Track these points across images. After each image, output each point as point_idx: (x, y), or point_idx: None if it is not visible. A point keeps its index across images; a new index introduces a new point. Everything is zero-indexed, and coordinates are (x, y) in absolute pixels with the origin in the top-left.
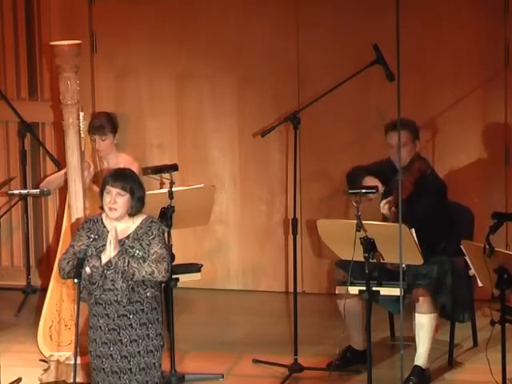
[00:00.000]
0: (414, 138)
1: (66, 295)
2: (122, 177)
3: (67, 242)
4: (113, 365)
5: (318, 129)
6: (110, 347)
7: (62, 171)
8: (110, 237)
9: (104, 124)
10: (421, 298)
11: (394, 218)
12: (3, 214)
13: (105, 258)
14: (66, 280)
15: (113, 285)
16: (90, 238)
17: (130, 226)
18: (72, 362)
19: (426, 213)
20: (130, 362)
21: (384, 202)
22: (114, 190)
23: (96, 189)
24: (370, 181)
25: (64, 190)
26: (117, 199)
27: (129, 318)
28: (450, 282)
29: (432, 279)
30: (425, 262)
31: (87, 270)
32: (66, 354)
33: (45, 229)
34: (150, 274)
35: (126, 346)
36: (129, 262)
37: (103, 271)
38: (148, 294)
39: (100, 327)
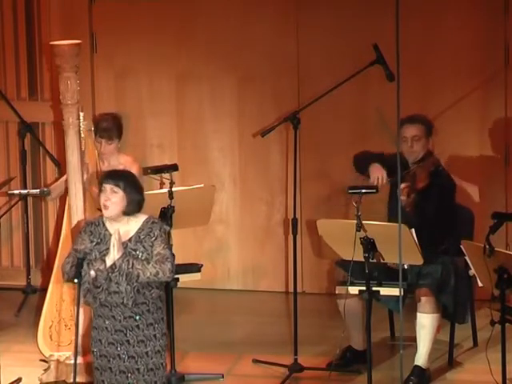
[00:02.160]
0: (428, 134)
1: (66, 295)
2: (115, 174)
3: (67, 243)
4: (120, 364)
5: (317, 129)
6: (117, 347)
7: (64, 178)
8: (114, 240)
9: (112, 128)
10: (423, 298)
11: (411, 206)
12: (3, 214)
13: (109, 261)
14: (69, 283)
15: (118, 287)
16: (92, 241)
17: (131, 228)
18: (72, 361)
19: (438, 208)
20: (137, 362)
21: (403, 186)
22: (108, 187)
23: (95, 190)
24: (376, 169)
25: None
26: (110, 196)
27: (135, 319)
28: (453, 282)
29: (435, 279)
30: (428, 261)
31: (92, 273)
32: (66, 353)
33: (45, 229)
34: (154, 275)
35: (134, 347)
36: (133, 264)
37: (108, 274)
38: (153, 294)
39: (106, 328)
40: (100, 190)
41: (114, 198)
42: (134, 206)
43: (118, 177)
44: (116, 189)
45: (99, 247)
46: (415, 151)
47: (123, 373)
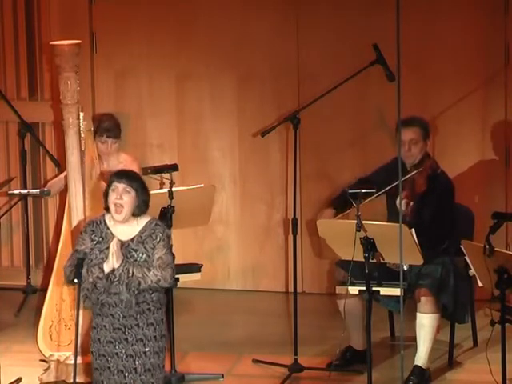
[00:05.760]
0: (425, 137)
1: (66, 295)
2: (128, 175)
3: (68, 243)
4: (118, 363)
5: (318, 129)
6: (115, 346)
7: (63, 174)
8: (112, 249)
9: (114, 127)
10: (423, 298)
11: (411, 214)
12: (3, 214)
13: (107, 268)
14: (70, 284)
15: (119, 296)
16: (93, 240)
17: (134, 228)
18: (72, 361)
19: (438, 212)
20: (135, 361)
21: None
22: (121, 186)
23: (103, 184)
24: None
25: (64, 190)
26: (123, 196)
27: (135, 317)
28: (453, 282)
29: (435, 279)
30: (427, 261)
31: (90, 280)
32: (66, 353)
33: (45, 229)
34: (156, 283)
35: (132, 345)
36: (133, 273)
37: (108, 278)
38: (154, 298)
39: (105, 326)
40: (110, 189)
41: (126, 198)
42: (143, 207)
43: (131, 177)
44: (129, 189)
45: (100, 246)
46: (413, 155)
47: (121, 372)
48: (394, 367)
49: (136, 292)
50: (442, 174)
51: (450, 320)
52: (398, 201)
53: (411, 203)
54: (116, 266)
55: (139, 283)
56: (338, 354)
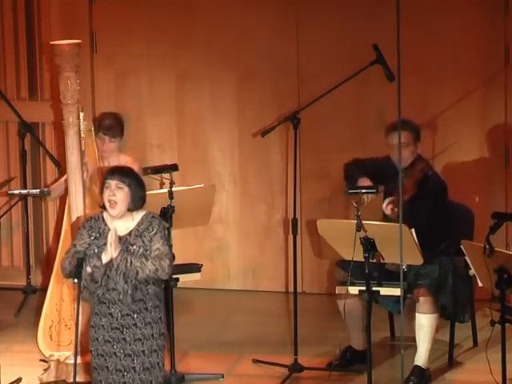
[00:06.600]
0: (416, 139)
1: (66, 295)
2: (120, 170)
3: (67, 242)
4: (116, 363)
5: (317, 129)
6: (113, 345)
7: (63, 178)
8: (110, 239)
9: (115, 125)
10: (422, 298)
11: (397, 219)
12: (3, 214)
13: (105, 258)
14: (68, 279)
15: (116, 286)
16: (91, 236)
17: (130, 223)
18: (72, 361)
19: (429, 214)
20: (133, 360)
21: (386, 202)
22: (113, 183)
23: (95, 189)
24: (364, 182)
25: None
26: (116, 192)
27: (133, 317)
28: (451, 282)
29: (433, 279)
30: (426, 262)
31: (88, 269)
32: (66, 353)
33: (45, 229)
34: (153, 273)
35: (130, 345)
36: (131, 261)
37: (105, 271)
38: (150, 290)
39: (103, 326)
40: (104, 186)
41: (119, 194)
42: (138, 201)
43: (123, 173)
44: (121, 185)
45: (98, 242)
46: (404, 158)
47: (119, 371)
48: (394, 367)
49: (133, 282)
50: (432, 175)
51: (449, 319)
52: (384, 205)
53: (395, 209)
54: (114, 255)
55: (137, 273)
56: (337, 354)
